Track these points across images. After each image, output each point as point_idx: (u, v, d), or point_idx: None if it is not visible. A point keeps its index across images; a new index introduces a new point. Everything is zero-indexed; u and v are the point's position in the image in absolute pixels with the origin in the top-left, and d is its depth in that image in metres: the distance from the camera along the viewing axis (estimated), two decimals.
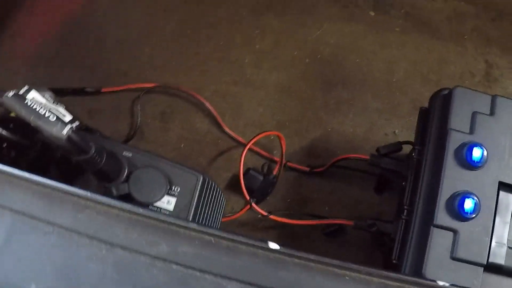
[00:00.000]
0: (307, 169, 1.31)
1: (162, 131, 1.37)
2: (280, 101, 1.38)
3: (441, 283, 0.54)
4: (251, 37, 1.45)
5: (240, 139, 1.34)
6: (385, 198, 1.30)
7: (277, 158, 1.31)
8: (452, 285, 0.51)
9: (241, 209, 1.24)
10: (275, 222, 1.23)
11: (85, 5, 1.52)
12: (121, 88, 1.39)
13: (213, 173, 1.33)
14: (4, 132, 0.97)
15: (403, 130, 1.36)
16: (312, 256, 0.52)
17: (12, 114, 1.35)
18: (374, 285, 0.53)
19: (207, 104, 1.36)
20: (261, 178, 1.25)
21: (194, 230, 0.53)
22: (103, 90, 1.40)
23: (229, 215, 1.24)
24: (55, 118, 0.78)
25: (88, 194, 0.57)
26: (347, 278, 0.53)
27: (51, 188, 0.59)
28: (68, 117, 0.81)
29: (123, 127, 1.38)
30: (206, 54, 1.44)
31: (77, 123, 0.81)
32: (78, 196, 0.58)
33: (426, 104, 1.38)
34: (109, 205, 0.56)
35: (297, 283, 0.52)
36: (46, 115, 0.79)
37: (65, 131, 0.77)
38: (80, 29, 1.49)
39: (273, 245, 0.52)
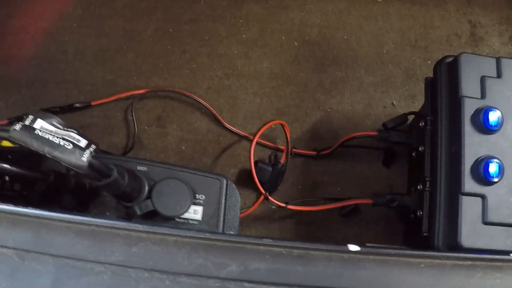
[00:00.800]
0: (313, 153, 1.30)
1: (161, 136, 1.33)
2: (275, 88, 1.37)
3: None
4: (236, 28, 1.42)
5: (241, 133, 1.32)
6: (393, 170, 1.30)
7: (282, 146, 1.30)
8: None
9: (254, 203, 1.23)
10: (290, 211, 1.23)
11: (57, 20, 1.46)
12: (111, 99, 1.35)
13: (219, 170, 1.31)
14: (8, 166, 0.91)
15: (400, 100, 1.36)
16: (386, 251, 0.51)
17: (4, 144, 1.30)
18: (448, 269, 0.53)
19: (203, 102, 1.33)
20: (270, 169, 1.24)
21: (262, 244, 0.51)
22: (93, 103, 1.35)
23: (243, 210, 1.22)
24: (71, 145, 0.74)
25: (140, 226, 0.55)
26: (422, 265, 0.53)
27: (96, 225, 0.57)
28: (83, 142, 0.77)
29: (119, 139, 1.34)
30: (192, 51, 1.40)
31: (94, 146, 0.77)
32: (128, 229, 0.55)
33: (418, 72, 1.40)
34: (165, 233, 0.54)
35: (375, 279, 0.51)
36: (61, 143, 0.74)
37: (85, 157, 0.73)
38: (56, 45, 1.43)
39: (353, 247, 0.51)
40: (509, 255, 0.53)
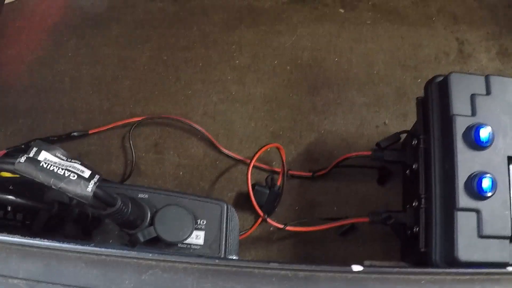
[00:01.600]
0: (309, 174, 1.32)
1: (159, 163, 1.35)
2: (269, 112, 1.39)
3: (510, 268, 0.56)
4: (229, 53, 1.45)
5: (238, 156, 1.34)
6: (389, 188, 1.33)
7: (278, 169, 1.32)
8: None
9: (253, 225, 1.25)
10: (288, 232, 1.24)
11: (52, 50, 1.49)
12: (108, 126, 1.37)
13: (217, 194, 1.33)
14: (8, 198, 0.93)
15: (392, 119, 1.39)
16: (387, 269, 0.53)
17: (4, 174, 1.31)
18: (448, 283, 0.55)
19: (199, 128, 1.35)
20: (267, 191, 1.26)
21: (268, 268, 0.53)
22: (90, 132, 1.37)
23: (242, 232, 1.24)
24: (76, 176, 0.76)
25: (149, 254, 0.56)
26: (422, 282, 0.54)
27: (105, 255, 0.58)
28: (87, 173, 0.78)
29: (117, 166, 1.36)
30: (187, 78, 1.43)
31: (97, 176, 0.79)
32: (138, 258, 0.57)
33: (409, 91, 1.43)
34: (174, 261, 0.55)
35: None
36: (66, 175, 0.76)
37: (90, 188, 0.75)
38: (53, 74, 1.45)
39: (356, 268, 0.53)
40: (505, 268, 0.55)
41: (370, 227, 1.26)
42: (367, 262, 1.27)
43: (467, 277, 0.55)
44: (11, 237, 0.61)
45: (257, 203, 1.22)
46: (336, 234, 1.27)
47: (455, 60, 1.46)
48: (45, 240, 0.61)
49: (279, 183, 1.27)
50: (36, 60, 1.47)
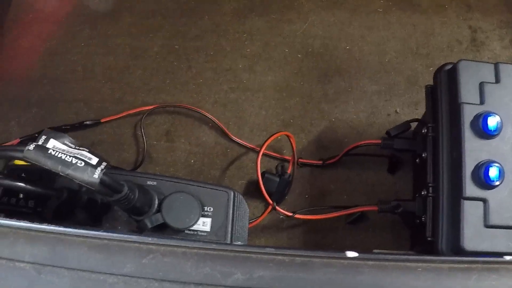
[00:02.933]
0: (319, 162, 1.32)
1: (170, 151, 1.37)
2: (280, 100, 1.39)
3: (507, 257, 0.56)
4: (240, 42, 1.45)
5: (248, 145, 1.35)
6: (399, 176, 1.32)
7: (288, 157, 1.32)
8: None
9: (263, 213, 1.25)
10: (298, 220, 1.25)
11: (65, 40, 1.51)
12: (120, 115, 1.39)
13: (227, 182, 1.34)
14: (19, 185, 0.94)
15: (404, 108, 1.38)
16: (387, 257, 0.54)
17: (17, 162, 1.34)
18: (445, 272, 0.55)
19: (210, 116, 1.36)
20: (277, 179, 1.27)
21: (266, 253, 0.54)
22: (102, 120, 1.39)
23: (252, 220, 1.25)
24: (83, 163, 0.77)
25: (149, 238, 0.57)
26: (419, 269, 0.55)
27: (108, 239, 0.59)
28: (94, 160, 0.80)
29: (129, 155, 1.38)
30: (198, 67, 1.44)
31: (104, 164, 0.80)
32: (139, 242, 0.58)
33: (421, 79, 1.42)
34: (173, 245, 0.57)
35: (375, 284, 0.53)
36: (73, 162, 0.77)
37: (97, 175, 0.76)
38: (65, 64, 1.47)
39: (351, 254, 0.53)
40: (502, 257, 0.55)
41: (380, 216, 1.25)
42: (376, 251, 1.27)
43: (464, 265, 0.56)
44: (19, 222, 0.63)
45: (267, 191, 1.22)
46: (346, 222, 1.27)
47: (468, 48, 1.45)
48: (51, 225, 0.63)
49: (289, 171, 1.28)
50: (48, 50, 1.49)
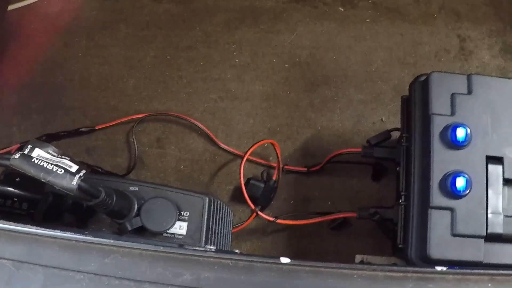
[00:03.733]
0: (304, 169, 1.36)
1: (161, 157, 1.41)
2: (267, 109, 1.44)
3: (438, 268, 0.58)
4: (229, 53, 1.50)
5: (236, 151, 1.39)
6: (383, 184, 1.35)
7: (274, 164, 1.36)
8: (449, 268, 0.56)
9: (248, 218, 1.30)
10: (283, 225, 1.29)
11: (63, 49, 1.56)
12: (114, 123, 1.44)
13: (215, 188, 1.38)
14: (13, 189, 1.01)
15: (390, 117, 1.41)
16: (320, 263, 0.57)
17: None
18: (380, 280, 0.58)
19: (199, 124, 1.41)
20: (262, 185, 1.31)
21: (212, 257, 0.58)
22: (97, 127, 1.44)
23: (238, 225, 1.29)
24: (63, 171, 0.82)
25: (111, 240, 0.62)
26: (355, 276, 0.58)
27: (75, 240, 0.64)
28: (74, 168, 0.85)
29: (122, 160, 1.43)
30: (189, 77, 1.49)
31: (83, 171, 0.85)
32: (102, 244, 0.63)
33: (407, 88, 1.44)
34: (131, 247, 0.61)
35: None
36: (54, 169, 0.82)
37: (75, 181, 0.82)
38: (64, 73, 1.53)
39: (284, 260, 0.57)
40: (434, 267, 0.58)
41: (364, 222, 1.29)
42: (358, 257, 1.30)
43: (400, 274, 0.59)
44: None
45: (253, 197, 1.27)
46: (329, 228, 1.30)
47: (456, 57, 1.47)
48: (27, 226, 0.68)
49: (274, 177, 1.32)
50: (48, 60, 1.55)
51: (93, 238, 0.64)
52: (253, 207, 1.23)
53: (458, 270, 0.56)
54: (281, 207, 1.35)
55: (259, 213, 1.23)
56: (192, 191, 0.99)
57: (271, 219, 1.23)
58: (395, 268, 0.59)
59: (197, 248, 0.60)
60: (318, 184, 1.36)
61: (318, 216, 1.24)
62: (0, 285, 0.63)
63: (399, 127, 1.25)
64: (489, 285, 0.56)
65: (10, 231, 0.67)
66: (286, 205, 1.35)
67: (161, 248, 0.60)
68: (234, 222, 1.29)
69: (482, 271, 0.56)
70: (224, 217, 1.09)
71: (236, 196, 1.37)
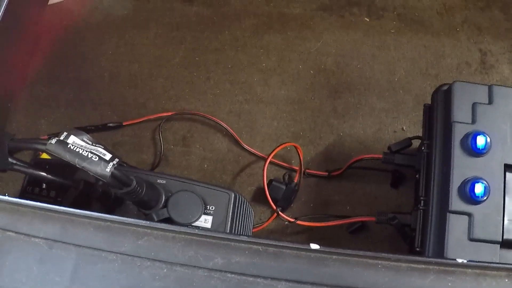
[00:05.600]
0: (325, 173, 1.39)
1: (185, 155, 1.45)
2: (291, 113, 1.47)
3: (459, 260, 0.61)
4: (257, 57, 1.54)
5: (259, 153, 1.43)
6: (401, 191, 1.38)
7: (296, 167, 1.39)
8: (469, 260, 0.59)
9: (268, 218, 1.33)
10: (302, 227, 1.32)
11: (95, 46, 1.61)
12: (141, 119, 1.48)
13: (237, 188, 1.41)
14: (45, 174, 1.05)
15: (410, 126, 1.44)
16: (348, 251, 0.60)
17: (43, 156, 1.44)
18: (403, 270, 0.61)
19: (224, 125, 1.44)
20: (283, 187, 1.34)
21: (244, 242, 0.61)
22: (125, 123, 1.49)
23: (258, 225, 1.33)
24: (97, 158, 0.86)
25: (146, 222, 0.65)
26: (379, 266, 0.61)
27: (111, 221, 0.67)
28: (108, 156, 0.89)
29: (147, 156, 1.47)
30: (216, 78, 1.53)
31: (116, 160, 0.89)
32: (136, 225, 0.66)
33: (428, 98, 1.46)
34: (165, 230, 0.64)
35: (337, 276, 0.60)
36: (89, 156, 0.86)
37: (109, 168, 0.85)
38: (94, 69, 1.58)
39: (314, 246, 0.60)
40: (455, 260, 0.60)
41: (381, 227, 1.31)
42: None
43: (422, 266, 0.61)
44: (36, 202, 0.72)
45: (274, 198, 1.30)
46: (347, 231, 1.33)
47: (477, 70, 1.50)
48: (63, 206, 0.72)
49: (296, 180, 1.35)
50: (79, 55, 1.60)
51: (128, 219, 0.67)
52: (274, 207, 1.26)
53: (477, 264, 0.58)
54: (301, 210, 1.38)
55: (280, 213, 1.26)
56: (219, 186, 1.02)
57: (291, 219, 1.26)
58: (418, 258, 0.61)
59: (231, 234, 0.62)
60: (338, 189, 1.39)
61: (337, 219, 1.27)
62: (32, 263, 0.66)
63: (420, 135, 1.29)
64: (506, 280, 0.58)
65: (46, 210, 0.69)
66: (306, 208, 1.38)
67: (196, 231, 0.63)
68: (254, 222, 1.32)
69: (500, 266, 0.58)
70: (247, 215, 1.13)
71: (257, 197, 1.40)
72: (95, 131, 1.47)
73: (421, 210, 1.05)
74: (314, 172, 1.40)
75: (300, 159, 1.33)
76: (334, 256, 0.61)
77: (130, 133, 1.49)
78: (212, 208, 1.00)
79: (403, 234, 1.21)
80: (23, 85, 1.52)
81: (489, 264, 0.58)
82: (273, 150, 1.28)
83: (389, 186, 1.39)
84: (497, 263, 0.60)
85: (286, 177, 1.36)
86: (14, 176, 1.36)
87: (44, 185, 1.12)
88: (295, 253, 0.61)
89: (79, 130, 0.95)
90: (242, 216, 1.08)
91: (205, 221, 1.00)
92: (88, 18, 1.66)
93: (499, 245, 0.94)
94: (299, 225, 1.29)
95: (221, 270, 0.61)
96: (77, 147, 0.88)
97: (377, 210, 1.29)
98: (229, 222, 0.99)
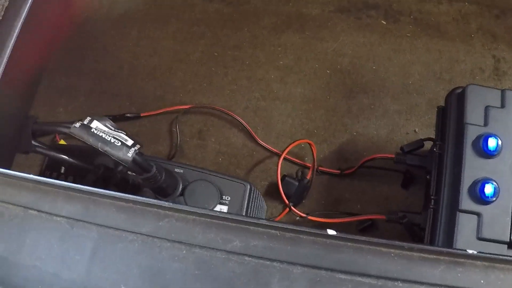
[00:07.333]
0: (337, 171, 1.41)
1: (201, 148, 1.48)
2: (307, 111, 1.50)
3: (470, 251, 0.63)
4: (275, 55, 1.57)
5: (273, 149, 1.45)
6: (412, 192, 1.40)
7: (309, 164, 1.42)
8: (479, 252, 0.61)
9: (280, 213, 1.35)
10: (313, 223, 1.34)
11: (116, 39, 1.65)
12: (159, 111, 1.52)
13: (251, 182, 1.43)
14: (66, 157, 1.08)
15: (422, 128, 1.46)
16: (363, 238, 0.63)
17: (61, 142, 1.48)
18: (415, 259, 0.63)
19: (240, 120, 1.47)
20: (296, 183, 1.36)
21: (262, 226, 0.64)
22: (142, 114, 1.52)
23: (271, 219, 1.35)
24: (120, 143, 0.90)
25: (167, 204, 0.68)
26: (392, 255, 0.63)
27: (133, 202, 0.70)
28: (130, 142, 0.92)
29: (163, 148, 1.50)
30: (234, 74, 1.56)
31: (138, 146, 0.92)
32: (158, 206, 0.68)
33: (442, 102, 1.49)
34: (186, 212, 0.67)
35: (351, 263, 0.62)
36: (112, 141, 0.90)
37: (130, 153, 0.89)
38: (113, 61, 1.62)
39: (331, 232, 0.63)
40: (466, 250, 0.63)
41: (390, 226, 1.33)
42: None
43: (433, 256, 0.63)
44: (59, 181, 0.73)
45: (286, 194, 1.33)
46: (356, 229, 1.35)
47: (490, 76, 1.52)
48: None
49: (308, 177, 1.38)
50: (100, 47, 1.64)
51: (151, 200, 0.69)
52: (287, 202, 1.29)
53: (486, 255, 0.60)
54: (312, 206, 1.40)
55: (292, 208, 1.29)
56: (235, 177, 1.06)
57: (303, 215, 1.29)
58: (430, 248, 0.63)
59: (250, 218, 0.65)
60: (349, 187, 1.41)
61: (347, 216, 1.30)
62: (53, 241, 0.68)
63: (432, 137, 1.31)
64: None
65: (69, 189, 0.70)
66: (317, 205, 1.41)
67: (217, 213, 0.65)
68: (265, 217, 1.35)
69: (509, 259, 0.60)
70: (260, 207, 1.16)
71: (270, 193, 1.43)
72: (113, 120, 1.49)
73: (432, 209, 1.08)
74: (327, 169, 1.42)
75: (313, 156, 1.36)
76: (349, 243, 0.63)
77: (147, 125, 1.52)
78: (227, 198, 1.03)
79: (412, 233, 1.23)
80: (45, 72, 1.56)
81: (498, 257, 0.60)
82: (288, 146, 1.31)
83: (399, 186, 1.41)
84: (506, 255, 0.61)
85: (299, 174, 1.39)
86: (30, 162, 1.40)
87: (63, 169, 1.15)
88: (311, 239, 0.63)
89: (102, 116, 0.99)
90: (256, 208, 1.11)
91: (220, 210, 1.03)
92: (109, 11, 1.69)
93: (506, 246, 0.96)
94: (310, 220, 1.31)
95: (239, 253, 0.63)
96: (100, 131, 0.91)
97: (387, 209, 1.31)
98: (244, 213, 1.02)
